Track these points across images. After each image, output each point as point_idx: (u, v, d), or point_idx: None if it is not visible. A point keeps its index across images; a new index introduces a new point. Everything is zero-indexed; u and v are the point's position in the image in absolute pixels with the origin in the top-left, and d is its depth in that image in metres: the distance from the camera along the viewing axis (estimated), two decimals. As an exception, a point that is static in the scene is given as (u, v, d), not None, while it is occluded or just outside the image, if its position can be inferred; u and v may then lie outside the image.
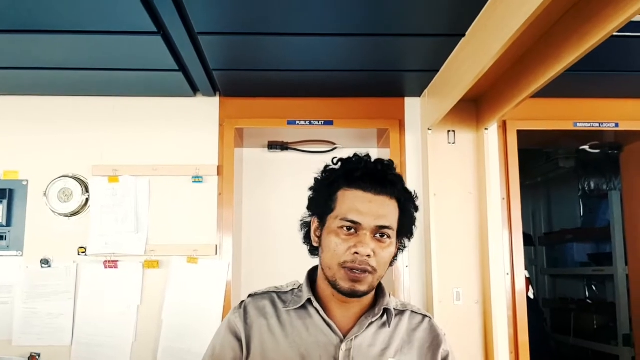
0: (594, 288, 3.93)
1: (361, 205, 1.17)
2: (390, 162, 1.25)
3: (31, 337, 2.09)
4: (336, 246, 1.16)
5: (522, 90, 1.74)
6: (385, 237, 1.18)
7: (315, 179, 1.29)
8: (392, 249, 1.21)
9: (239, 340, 1.23)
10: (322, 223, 1.23)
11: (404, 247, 1.30)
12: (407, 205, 1.24)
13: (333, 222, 1.19)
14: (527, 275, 2.50)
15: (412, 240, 1.30)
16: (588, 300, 3.88)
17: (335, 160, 1.27)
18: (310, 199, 1.29)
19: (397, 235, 1.22)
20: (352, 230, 1.16)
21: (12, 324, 2.11)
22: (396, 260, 1.29)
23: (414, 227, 1.29)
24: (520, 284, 2.18)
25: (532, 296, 3.29)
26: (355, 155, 1.26)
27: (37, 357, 2.08)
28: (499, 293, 2.12)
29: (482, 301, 2.12)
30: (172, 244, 2.15)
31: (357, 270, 1.15)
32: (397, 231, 1.22)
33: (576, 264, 3.98)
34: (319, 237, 1.24)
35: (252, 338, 1.22)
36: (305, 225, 1.31)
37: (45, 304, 2.11)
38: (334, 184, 1.23)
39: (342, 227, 1.17)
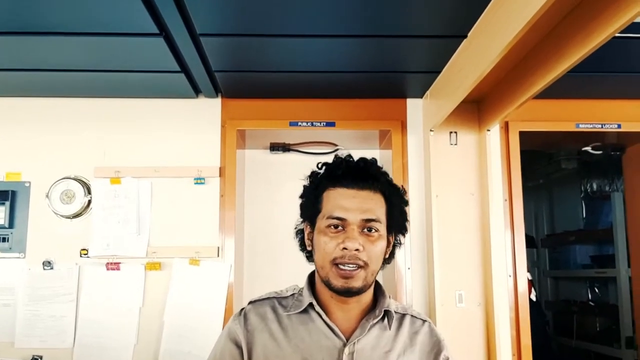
0: (597, 290, 3.92)
1: (345, 202, 1.19)
2: (373, 160, 1.28)
3: (33, 340, 2.10)
4: (325, 244, 1.18)
5: (524, 91, 1.74)
6: (373, 230, 1.19)
7: (304, 185, 1.31)
8: (383, 243, 1.21)
9: (239, 347, 1.22)
10: (312, 226, 1.25)
11: (400, 243, 1.30)
12: (394, 198, 1.25)
13: (321, 222, 1.21)
14: (530, 278, 2.50)
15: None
16: (591, 303, 3.86)
17: (320, 165, 1.29)
18: (301, 205, 1.31)
19: (387, 229, 1.23)
20: (340, 228, 1.18)
21: (15, 326, 2.11)
22: (394, 256, 1.30)
23: (406, 222, 1.30)
24: (523, 286, 2.18)
25: (534, 298, 3.29)
26: (337, 156, 1.28)
27: None
28: (501, 295, 2.12)
29: (485, 303, 2.11)
30: (174, 245, 2.15)
31: (348, 266, 1.16)
32: (387, 225, 1.23)
33: (578, 266, 3.98)
34: (311, 241, 1.26)
35: (253, 344, 1.22)
36: (299, 232, 1.33)
37: (47, 306, 2.11)
38: (319, 186, 1.25)
39: (329, 226, 1.19)
